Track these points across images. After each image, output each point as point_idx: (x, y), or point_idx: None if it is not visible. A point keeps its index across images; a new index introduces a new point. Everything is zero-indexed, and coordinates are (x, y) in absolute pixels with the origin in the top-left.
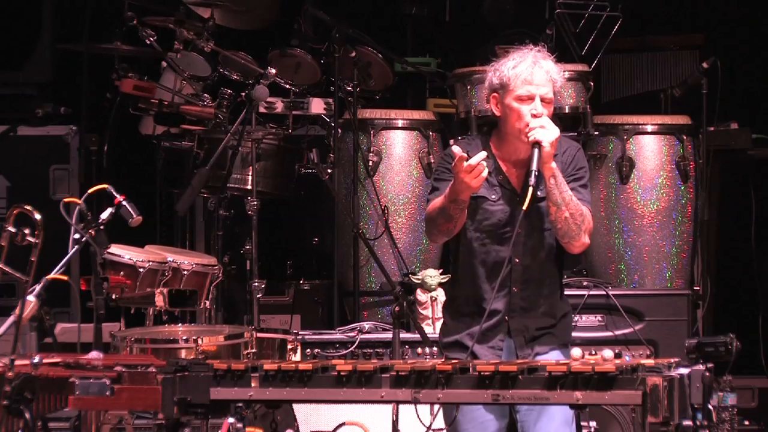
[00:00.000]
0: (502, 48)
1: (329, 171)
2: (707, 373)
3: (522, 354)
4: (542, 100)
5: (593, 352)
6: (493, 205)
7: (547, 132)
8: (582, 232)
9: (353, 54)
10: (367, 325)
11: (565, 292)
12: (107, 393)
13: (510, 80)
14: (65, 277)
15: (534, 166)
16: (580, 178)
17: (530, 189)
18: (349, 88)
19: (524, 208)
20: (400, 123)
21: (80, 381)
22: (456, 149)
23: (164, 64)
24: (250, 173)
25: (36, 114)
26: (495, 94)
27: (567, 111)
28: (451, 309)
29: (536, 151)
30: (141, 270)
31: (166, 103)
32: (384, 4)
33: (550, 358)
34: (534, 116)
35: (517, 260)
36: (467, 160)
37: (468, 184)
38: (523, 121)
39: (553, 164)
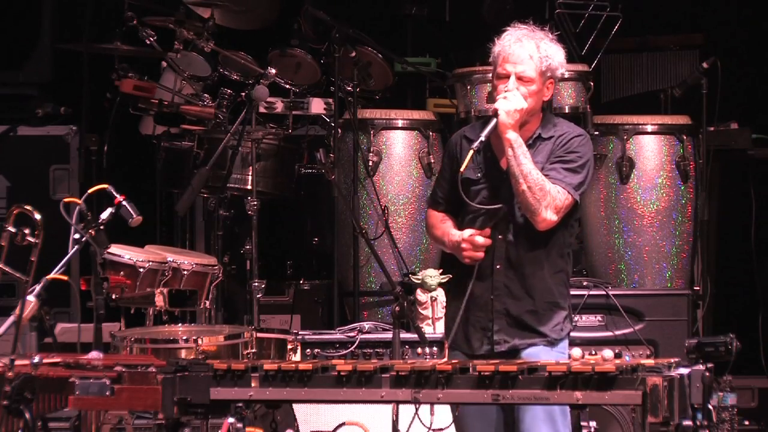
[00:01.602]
0: None
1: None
2: (707, 373)
3: (498, 338)
4: (520, 78)
5: (593, 352)
6: (476, 184)
7: (507, 102)
8: (542, 207)
9: (353, 54)
10: (367, 325)
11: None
12: (107, 393)
13: (495, 58)
14: (65, 277)
15: (484, 133)
16: (567, 161)
17: (470, 152)
18: (349, 88)
19: (461, 170)
20: (400, 123)
21: (80, 381)
22: (480, 239)
23: (164, 64)
24: (250, 173)
25: (36, 114)
26: (492, 71)
27: (567, 111)
28: (453, 287)
29: (493, 119)
30: (141, 270)
31: (166, 103)
32: (384, 4)
33: (531, 353)
34: (501, 93)
35: (500, 236)
36: (476, 237)
37: (464, 257)
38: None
39: (512, 135)
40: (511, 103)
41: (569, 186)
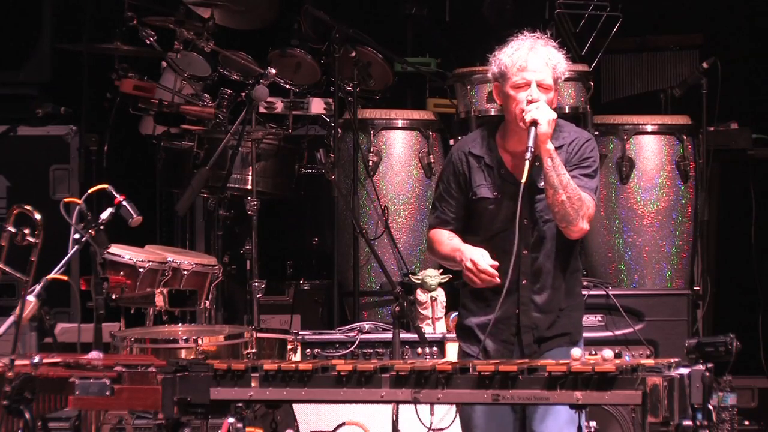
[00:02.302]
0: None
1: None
2: (707, 373)
3: (528, 352)
4: (539, 85)
5: (593, 352)
6: (493, 203)
7: (542, 111)
8: (579, 217)
9: (353, 54)
10: (367, 325)
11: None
12: (107, 393)
13: (507, 68)
14: (65, 277)
15: (530, 144)
16: (584, 167)
17: (527, 163)
18: (349, 88)
19: (523, 180)
20: (400, 123)
21: (80, 381)
22: (489, 269)
23: (164, 64)
24: (250, 173)
25: (36, 114)
26: (496, 83)
27: (567, 111)
28: (470, 293)
29: (533, 129)
30: (141, 270)
31: (166, 103)
32: (384, 4)
33: (554, 354)
34: (530, 102)
35: (526, 251)
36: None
37: (472, 280)
38: (519, 106)
39: (551, 146)
40: (547, 112)
41: (591, 192)
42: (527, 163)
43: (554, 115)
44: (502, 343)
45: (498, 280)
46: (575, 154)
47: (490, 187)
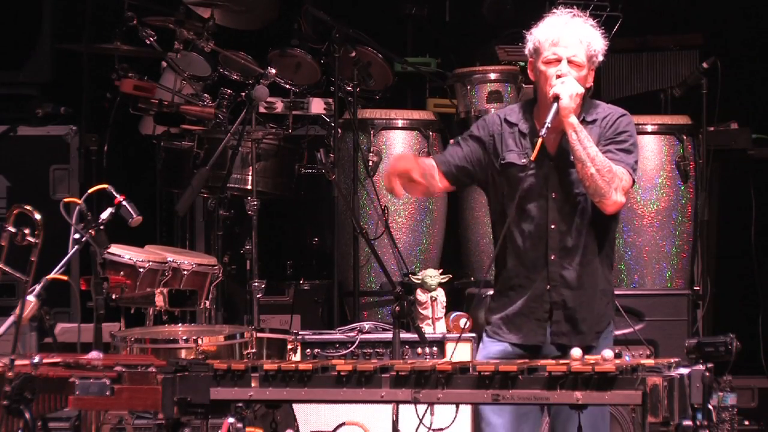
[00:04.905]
0: (502, 48)
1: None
2: (707, 373)
3: (555, 329)
4: (570, 62)
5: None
6: (522, 170)
7: (566, 86)
8: (612, 190)
9: (353, 54)
10: (367, 325)
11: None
12: (107, 393)
13: (540, 44)
14: (65, 277)
15: (549, 119)
16: (619, 142)
17: (539, 140)
18: (349, 88)
19: (532, 158)
20: (400, 123)
21: (80, 381)
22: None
23: (164, 64)
24: (250, 173)
25: (36, 114)
26: (531, 59)
27: None
28: (498, 284)
29: (555, 105)
30: (141, 270)
31: (166, 103)
32: (384, 4)
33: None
34: (558, 77)
35: (554, 226)
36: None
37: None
38: (549, 82)
39: (573, 119)
40: (570, 87)
41: (628, 166)
42: (539, 140)
43: (580, 89)
44: (536, 321)
45: (399, 193)
46: (609, 128)
47: (520, 154)
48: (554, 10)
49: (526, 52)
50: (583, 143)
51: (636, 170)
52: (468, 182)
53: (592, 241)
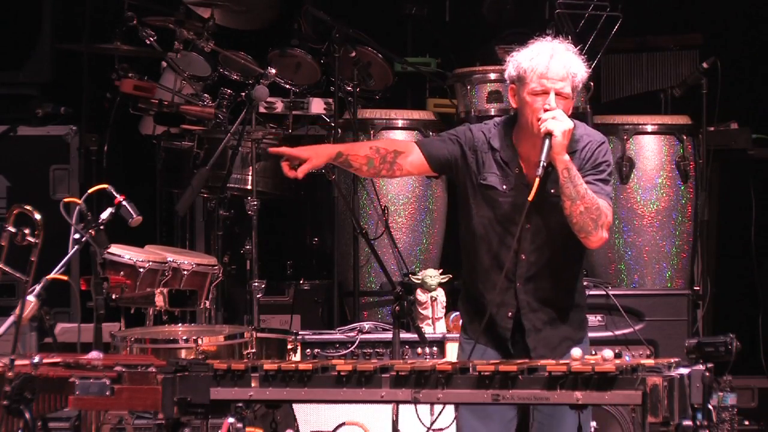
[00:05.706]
0: (502, 48)
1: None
2: (707, 373)
3: (534, 356)
4: (558, 94)
5: (593, 352)
6: (502, 196)
7: (558, 122)
8: (599, 227)
9: (353, 54)
10: (367, 325)
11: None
12: (107, 393)
13: (526, 73)
14: (65, 277)
15: (543, 157)
16: (599, 172)
17: (537, 180)
18: (349, 88)
19: (530, 198)
20: (400, 123)
21: (80, 381)
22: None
23: (164, 64)
24: (250, 173)
25: (36, 114)
26: (512, 85)
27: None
28: (463, 304)
29: (547, 141)
30: (141, 270)
31: (166, 103)
32: (384, 4)
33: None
34: (546, 111)
35: (523, 256)
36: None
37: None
38: (535, 114)
39: (566, 157)
40: (563, 123)
41: (608, 198)
42: (537, 180)
43: (571, 125)
44: (500, 340)
45: (289, 174)
46: (588, 160)
47: (501, 180)
48: (537, 39)
49: (506, 76)
50: (575, 181)
51: (613, 198)
52: (448, 173)
53: (564, 272)
